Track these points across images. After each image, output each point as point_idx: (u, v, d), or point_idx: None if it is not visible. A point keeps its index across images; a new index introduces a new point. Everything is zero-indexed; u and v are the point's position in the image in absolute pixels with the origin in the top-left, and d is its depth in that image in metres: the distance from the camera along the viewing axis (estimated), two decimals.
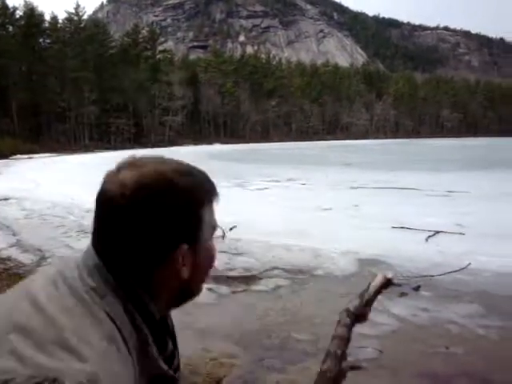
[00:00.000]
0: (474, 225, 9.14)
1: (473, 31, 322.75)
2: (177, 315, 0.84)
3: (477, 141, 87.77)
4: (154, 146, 63.54)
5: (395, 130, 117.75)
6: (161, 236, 0.73)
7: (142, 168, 0.77)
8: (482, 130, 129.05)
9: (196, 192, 0.80)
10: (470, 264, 6.42)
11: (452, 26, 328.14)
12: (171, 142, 69.76)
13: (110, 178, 0.77)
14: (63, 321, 0.65)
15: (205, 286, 0.70)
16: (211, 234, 0.82)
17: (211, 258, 0.82)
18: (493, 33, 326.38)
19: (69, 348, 0.63)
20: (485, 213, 10.81)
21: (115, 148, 54.77)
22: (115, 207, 0.73)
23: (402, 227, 8.87)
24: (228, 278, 6.09)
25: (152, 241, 0.72)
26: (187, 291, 0.79)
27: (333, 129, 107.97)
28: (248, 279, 6.07)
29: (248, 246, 7.58)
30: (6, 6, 62.04)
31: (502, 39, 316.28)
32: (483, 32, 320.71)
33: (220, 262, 6.61)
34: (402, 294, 5.47)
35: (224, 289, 5.69)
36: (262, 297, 5.52)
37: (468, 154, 43.95)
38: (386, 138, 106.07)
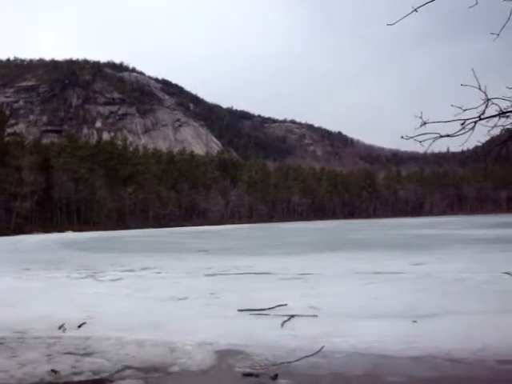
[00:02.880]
0: (326, 306, 9.50)
1: (315, 125, 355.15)
2: None
3: (324, 223, 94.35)
4: None
5: (250, 215, 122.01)
6: None
7: None
8: (329, 213, 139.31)
9: None
10: (323, 347, 6.55)
11: (298, 120, 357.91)
12: (18, 230, 64.66)
13: None
14: None
15: None
16: None
17: None
18: (332, 127, 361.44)
19: None
20: (335, 293, 11.34)
21: None
22: None
23: (258, 314, 8.89)
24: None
25: None
26: None
27: (189, 215, 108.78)
28: (97, 383, 5.51)
29: (98, 345, 6.98)
30: None
31: (339, 132, 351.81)
32: (324, 126, 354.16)
33: (65, 366, 5.97)
34: None
35: None
36: None
37: (317, 236, 46.83)
38: (241, 223, 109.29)
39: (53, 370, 5.80)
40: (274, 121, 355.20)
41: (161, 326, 8.02)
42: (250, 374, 5.69)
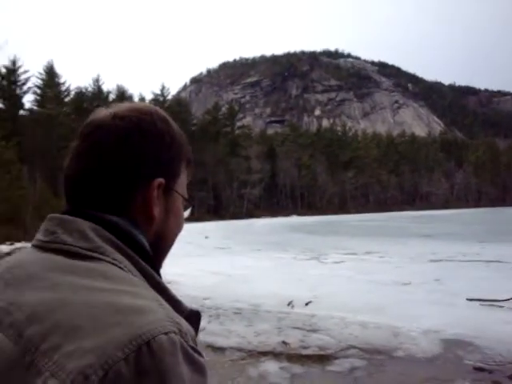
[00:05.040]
0: None
1: None
2: None
3: None
4: (231, 217, 64.78)
5: (477, 199, 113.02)
6: (146, 159, 0.69)
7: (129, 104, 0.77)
8: None
9: (182, 138, 0.79)
10: None
11: None
12: (249, 214, 70.88)
13: (96, 113, 0.74)
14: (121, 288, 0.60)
15: (278, 364, 0.64)
16: (183, 194, 0.78)
17: (179, 220, 0.78)
18: None
19: (137, 309, 0.57)
20: None
21: (197, 219, 54.90)
22: (106, 129, 0.69)
23: (490, 305, 8.24)
24: (302, 356, 5.85)
25: (136, 165, 0.68)
26: (161, 237, 0.74)
27: (411, 199, 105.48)
28: (323, 358, 5.78)
29: (323, 323, 7.30)
30: (101, 91, 68.47)
31: None
32: None
33: (294, 339, 6.42)
34: (495, 383, 4.94)
35: (297, 368, 5.45)
36: (337, 379, 5.22)
37: None
38: (468, 207, 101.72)
39: (284, 342, 6.28)
40: (504, 94, 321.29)
41: (383, 309, 8.01)
42: (481, 369, 5.29)
